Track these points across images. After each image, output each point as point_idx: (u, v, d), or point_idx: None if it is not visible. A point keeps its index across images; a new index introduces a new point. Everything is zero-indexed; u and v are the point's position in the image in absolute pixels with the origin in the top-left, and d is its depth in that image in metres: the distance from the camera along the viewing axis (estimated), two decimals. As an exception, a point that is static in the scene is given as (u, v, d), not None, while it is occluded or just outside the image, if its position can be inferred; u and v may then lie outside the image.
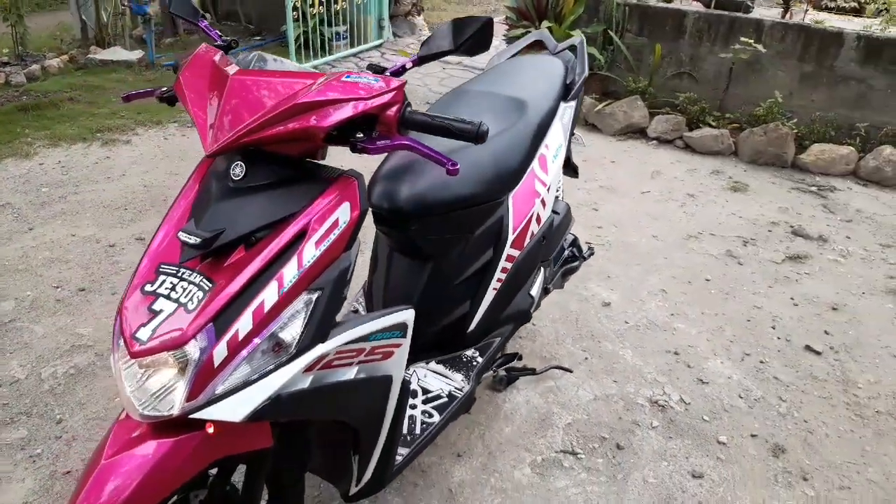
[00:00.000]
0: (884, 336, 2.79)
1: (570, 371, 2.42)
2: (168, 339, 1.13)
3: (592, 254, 2.54)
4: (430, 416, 1.80)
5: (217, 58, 1.32)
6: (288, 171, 1.28)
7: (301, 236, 1.22)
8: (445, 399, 1.84)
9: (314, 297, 1.24)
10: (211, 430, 1.21)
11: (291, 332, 1.22)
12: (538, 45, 2.46)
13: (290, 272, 1.20)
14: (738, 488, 2.02)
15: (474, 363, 1.93)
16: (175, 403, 1.14)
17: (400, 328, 1.45)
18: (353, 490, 1.61)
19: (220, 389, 1.16)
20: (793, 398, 2.41)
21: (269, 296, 1.18)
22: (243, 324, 1.16)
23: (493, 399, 2.28)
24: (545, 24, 5.11)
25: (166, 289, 1.19)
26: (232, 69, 1.26)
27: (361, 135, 1.22)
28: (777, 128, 4.49)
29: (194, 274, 1.20)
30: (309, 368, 1.25)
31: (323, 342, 1.25)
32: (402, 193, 1.67)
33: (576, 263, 2.42)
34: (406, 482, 1.95)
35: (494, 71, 2.25)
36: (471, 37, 1.24)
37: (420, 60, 1.33)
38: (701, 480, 2.04)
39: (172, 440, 1.20)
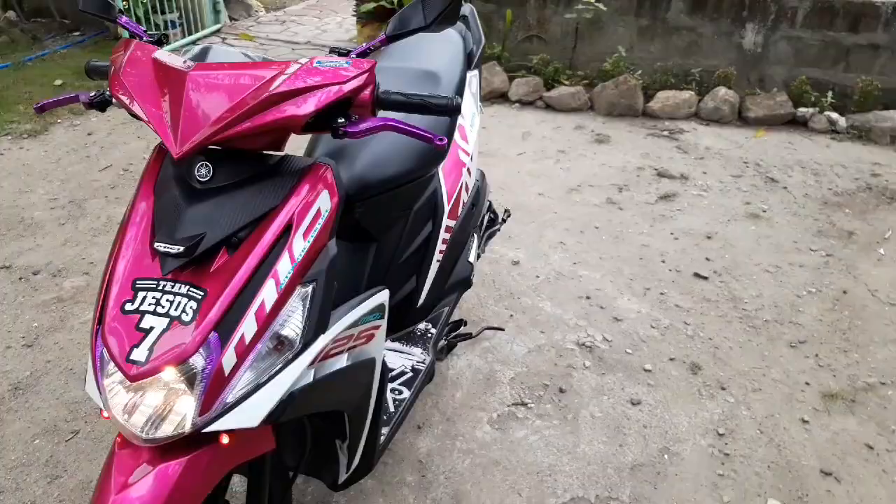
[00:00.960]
0: (754, 255, 3.15)
1: (502, 329, 2.53)
2: (170, 355, 1.06)
3: (509, 216, 2.64)
4: (401, 392, 1.82)
5: (159, 55, 1.23)
6: (256, 166, 1.23)
7: (287, 230, 1.19)
8: (410, 374, 1.86)
9: (309, 289, 1.21)
10: (226, 440, 1.17)
11: (293, 327, 1.19)
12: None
13: (284, 268, 1.17)
14: (672, 407, 2.23)
15: (429, 335, 1.97)
16: (186, 420, 1.09)
17: (380, 310, 1.45)
18: (343, 478, 1.61)
19: (231, 398, 1.12)
20: (695, 321, 2.67)
21: (268, 294, 1.15)
22: (248, 327, 1.12)
23: (438, 368, 2.33)
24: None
25: (150, 305, 1.11)
26: (185, 65, 1.18)
27: (342, 119, 1.20)
28: (626, 80, 4.84)
29: (178, 285, 1.13)
30: (311, 362, 1.23)
31: (324, 333, 1.23)
32: (343, 179, 1.65)
33: (496, 227, 2.51)
34: (375, 462, 1.96)
35: (396, 45, 2.25)
36: (441, 12, 1.25)
37: (388, 39, 1.32)
38: (640, 406, 2.23)
39: (185, 459, 1.14)
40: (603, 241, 3.24)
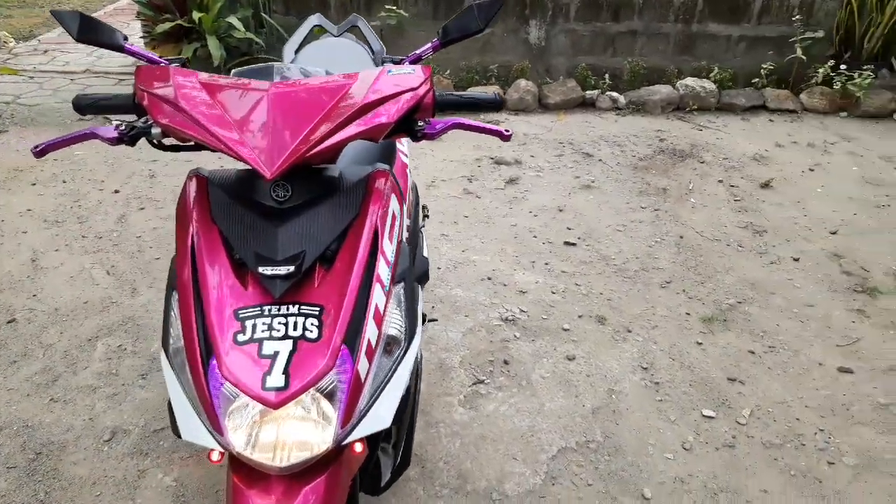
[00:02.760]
0: (602, 219, 3.61)
1: (436, 320, 2.65)
2: (310, 374, 1.07)
3: (428, 215, 2.76)
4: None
5: (205, 78, 1.20)
6: (324, 180, 1.26)
7: (374, 236, 1.23)
8: None
9: (401, 288, 1.28)
10: (359, 448, 1.19)
11: (396, 327, 1.24)
12: (317, 30, 2.51)
13: (384, 271, 1.22)
14: (600, 355, 2.54)
15: None
16: (328, 437, 1.10)
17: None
18: (386, 479, 1.64)
19: (364, 405, 1.15)
20: (583, 281, 3.03)
21: (378, 298, 1.19)
22: (371, 332, 1.16)
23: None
24: (195, 14, 4.89)
25: (264, 331, 1.10)
26: (260, 84, 1.17)
27: (421, 123, 1.27)
28: (439, 81, 5.15)
29: (284, 307, 1.13)
30: (415, 358, 1.29)
31: (418, 328, 1.30)
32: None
33: (423, 225, 2.62)
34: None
35: (306, 59, 2.26)
36: (493, 15, 1.36)
37: (443, 45, 1.40)
38: (576, 360, 2.50)
39: (325, 477, 1.16)
40: (477, 227, 3.49)
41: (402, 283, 1.27)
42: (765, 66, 5.49)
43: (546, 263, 3.16)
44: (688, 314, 2.81)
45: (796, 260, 3.25)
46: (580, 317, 2.77)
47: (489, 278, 3.02)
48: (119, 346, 2.52)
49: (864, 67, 5.20)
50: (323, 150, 1.14)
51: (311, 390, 1.08)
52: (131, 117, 1.27)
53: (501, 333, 2.64)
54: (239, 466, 1.16)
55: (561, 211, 3.69)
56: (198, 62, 5.13)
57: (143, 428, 2.15)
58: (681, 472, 2.04)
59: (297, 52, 2.39)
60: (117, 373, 2.39)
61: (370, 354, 1.15)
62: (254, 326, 1.10)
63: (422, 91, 1.25)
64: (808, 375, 2.47)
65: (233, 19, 4.96)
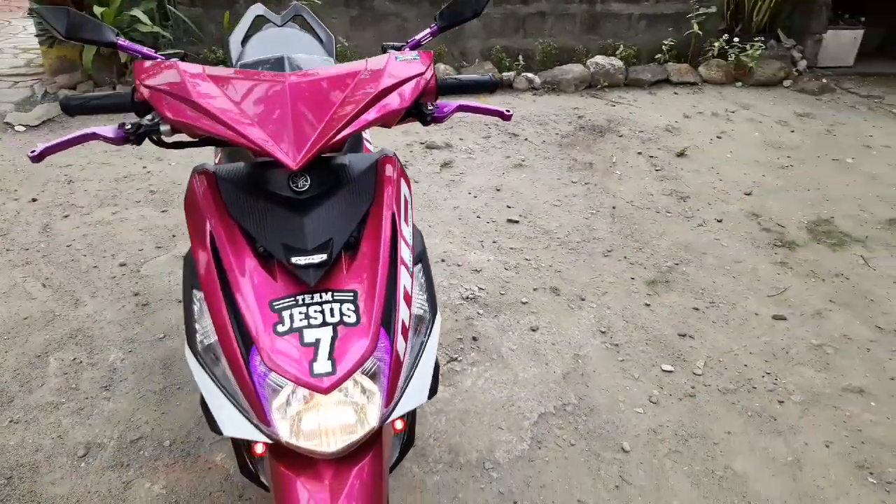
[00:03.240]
0: (538, 196, 3.74)
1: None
2: (355, 357, 1.10)
3: None
4: None
5: (214, 71, 1.18)
6: (337, 168, 1.28)
7: (392, 220, 1.27)
8: None
9: (420, 269, 1.32)
10: (399, 425, 1.23)
11: (420, 305, 1.28)
12: (260, 20, 2.47)
13: (406, 254, 1.26)
14: (561, 324, 2.66)
15: None
16: (373, 416, 1.13)
17: None
18: (394, 459, 1.68)
19: (403, 382, 1.19)
20: (532, 256, 3.15)
21: (405, 280, 1.23)
22: (403, 312, 1.20)
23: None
24: (96, 8, 4.63)
25: (301, 320, 1.12)
26: (276, 76, 1.17)
27: (431, 107, 1.30)
28: (358, 67, 5.12)
29: (316, 295, 1.15)
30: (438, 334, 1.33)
31: (437, 308, 1.34)
32: None
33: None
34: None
35: (255, 50, 2.22)
36: (487, 1, 1.40)
37: (441, 30, 1.42)
38: (539, 331, 2.61)
39: (370, 457, 1.19)
40: (421, 211, 3.54)
41: (420, 264, 1.31)
42: (665, 42, 5.80)
43: (494, 241, 3.25)
44: (633, 279, 2.98)
45: (719, 221, 3.50)
46: (535, 290, 2.88)
47: (443, 260, 3.07)
48: (74, 360, 2.40)
49: (756, 39, 5.60)
50: (343, 137, 1.16)
51: (358, 374, 1.11)
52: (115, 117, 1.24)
53: (465, 311, 2.71)
54: (282, 456, 1.17)
55: (498, 190, 3.79)
56: (102, 60, 4.87)
57: (119, 440, 2.08)
58: (652, 424, 2.19)
59: (243, 43, 2.34)
60: (77, 387, 2.28)
61: (405, 334, 1.18)
62: (291, 316, 1.12)
63: (427, 76, 1.28)
64: (747, 325, 2.69)
65: (137, 12, 4.74)
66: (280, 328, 1.10)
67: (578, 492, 1.94)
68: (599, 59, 5.63)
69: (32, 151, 1.19)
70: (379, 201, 1.27)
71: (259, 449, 1.16)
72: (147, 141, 1.25)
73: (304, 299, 1.14)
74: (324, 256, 1.14)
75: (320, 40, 2.40)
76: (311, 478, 1.14)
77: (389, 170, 1.32)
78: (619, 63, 5.60)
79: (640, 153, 4.33)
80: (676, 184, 3.92)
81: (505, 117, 1.44)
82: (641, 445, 2.11)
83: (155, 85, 1.17)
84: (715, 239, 3.33)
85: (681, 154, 4.30)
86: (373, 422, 1.12)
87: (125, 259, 3.02)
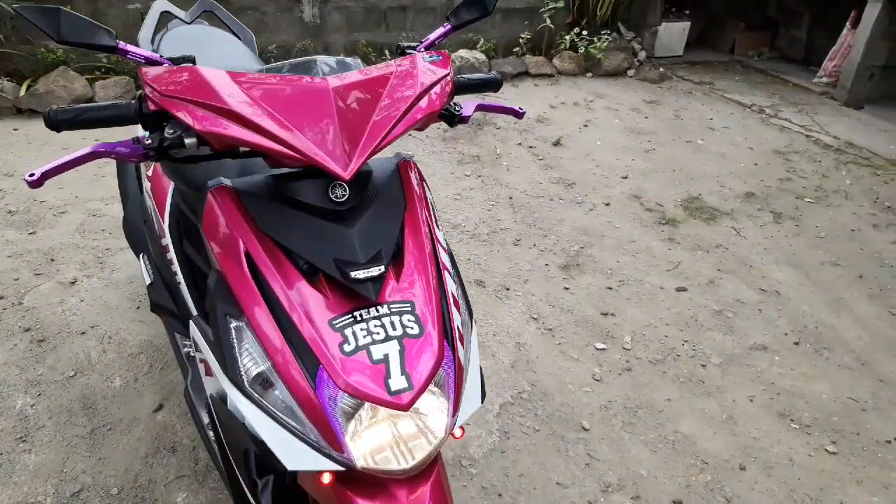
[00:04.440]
0: (437, 190, 3.78)
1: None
2: (426, 370, 1.08)
3: None
4: None
5: (243, 76, 1.09)
6: (364, 175, 1.23)
7: (428, 225, 1.25)
8: None
9: (455, 273, 1.31)
10: (458, 433, 1.22)
11: (464, 309, 1.27)
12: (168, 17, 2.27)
13: (445, 259, 1.25)
14: (495, 315, 2.73)
15: None
16: (442, 427, 1.12)
17: None
18: None
19: (464, 389, 1.18)
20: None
21: (451, 286, 1.22)
22: (456, 319, 1.19)
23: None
24: None
25: (365, 337, 1.08)
26: (315, 81, 1.09)
27: (458, 108, 1.28)
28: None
29: (372, 309, 1.12)
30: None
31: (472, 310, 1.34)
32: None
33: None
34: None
35: (168, 49, 2.04)
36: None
37: (454, 28, 1.39)
38: (479, 323, 2.66)
39: (438, 468, 1.18)
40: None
41: (454, 269, 1.30)
42: (522, 35, 6.06)
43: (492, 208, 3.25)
44: (547, 265, 3.12)
45: (607, 205, 3.76)
46: (517, 241, 2.93)
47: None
48: (-28, 412, 2.09)
49: (602, 33, 6.02)
50: (388, 143, 1.12)
51: (432, 385, 1.09)
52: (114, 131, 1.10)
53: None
54: (350, 482, 1.12)
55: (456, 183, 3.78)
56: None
57: (56, 495, 1.85)
58: (602, 401, 2.33)
59: (153, 42, 2.15)
60: (-14, 442, 1.99)
61: (461, 340, 1.18)
62: (354, 334, 1.07)
63: (450, 77, 1.27)
64: (657, 299, 2.93)
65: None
66: (347, 348, 1.05)
67: (554, 474, 2.02)
68: (463, 52, 5.76)
69: (31, 175, 1.03)
70: (412, 207, 1.24)
71: (326, 479, 1.10)
72: (161, 155, 1.12)
73: (362, 315, 1.09)
74: (381, 268, 1.10)
75: (238, 38, 2.26)
76: (389, 499, 1.10)
77: (412, 173, 1.30)
78: (482, 57, 5.77)
79: (520, 144, 4.51)
80: (560, 172, 4.13)
81: (518, 115, 1.46)
82: (598, 422, 2.23)
83: (175, 93, 1.05)
84: (608, 221, 3.57)
85: (557, 143, 4.54)
86: (443, 432, 1.11)
87: (1, 292, 2.66)
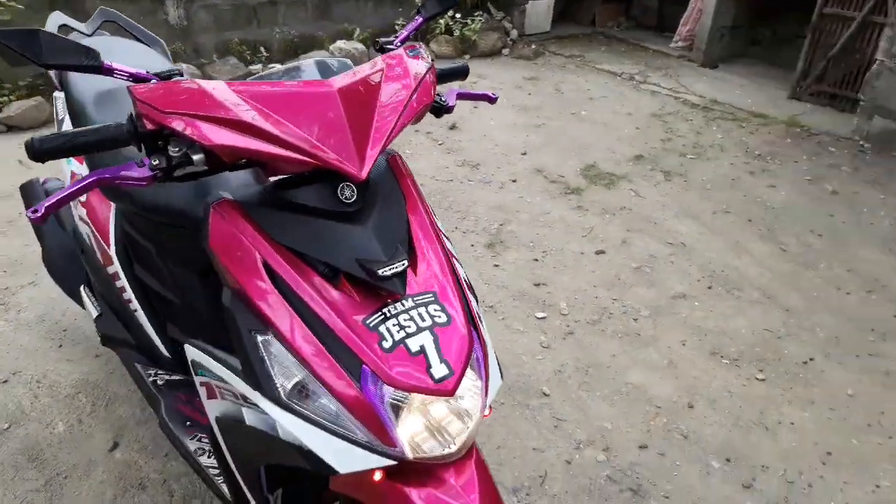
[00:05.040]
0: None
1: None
2: (461, 355, 1.12)
3: None
4: None
5: (241, 85, 1.06)
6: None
7: (429, 216, 1.27)
8: None
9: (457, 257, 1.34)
10: (487, 411, 1.26)
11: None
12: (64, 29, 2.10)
13: (449, 246, 1.28)
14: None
15: None
16: (478, 407, 1.17)
17: None
18: None
19: (491, 369, 1.23)
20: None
21: (461, 272, 1.26)
22: (474, 304, 1.23)
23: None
24: None
25: (399, 332, 1.10)
26: (320, 88, 1.08)
27: (443, 99, 1.30)
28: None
29: (397, 304, 1.14)
30: None
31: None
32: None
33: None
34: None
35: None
36: None
37: (425, 21, 1.39)
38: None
39: (475, 450, 1.21)
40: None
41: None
42: (397, 22, 6.08)
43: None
44: (472, 245, 3.20)
45: (514, 181, 3.89)
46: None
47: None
48: None
49: (476, 14, 6.16)
50: (391, 140, 1.14)
51: (469, 370, 1.13)
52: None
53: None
54: (399, 476, 1.13)
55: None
56: None
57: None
58: (555, 365, 2.44)
59: None
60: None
61: (482, 322, 1.22)
62: (388, 331, 1.08)
63: (433, 69, 1.29)
64: (580, 264, 3.09)
65: None
66: (385, 344, 1.07)
67: (528, 441, 2.11)
68: (342, 43, 5.70)
69: (34, 211, 0.96)
70: (411, 199, 1.26)
71: (377, 477, 1.10)
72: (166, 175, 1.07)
73: (390, 311, 1.11)
74: (405, 262, 1.11)
75: (147, 46, 2.14)
76: (441, 485, 1.12)
77: (402, 167, 1.31)
78: (361, 47, 5.73)
79: (417, 131, 4.54)
80: (463, 154, 4.22)
81: (492, 100, 1.50)
82: (556, 386, 2.35)
83: (177, 108, 1.01)
84: (519, 197, 3.70)
85: (453, 127, 4.62)
86: (479, 413, 1.15)
87: None
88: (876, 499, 1.97)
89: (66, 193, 0.99)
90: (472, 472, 1.16)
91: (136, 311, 1.74)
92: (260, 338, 1.08)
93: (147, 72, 1.12)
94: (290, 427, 1.07)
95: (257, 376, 1.08)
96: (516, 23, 6.65)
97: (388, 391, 1.05)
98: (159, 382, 1.77)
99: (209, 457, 1.62)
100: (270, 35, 5.63)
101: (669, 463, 2.05)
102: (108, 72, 1.07)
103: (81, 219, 1.83)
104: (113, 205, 1.72)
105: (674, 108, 5.18)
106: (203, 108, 1.01)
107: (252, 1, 5.54)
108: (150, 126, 1.03)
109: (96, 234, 1.75)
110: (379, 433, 1.05)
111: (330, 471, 1.07)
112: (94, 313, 1.85)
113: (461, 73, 1.46)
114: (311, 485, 1.35)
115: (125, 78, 1.09)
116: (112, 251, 1.71)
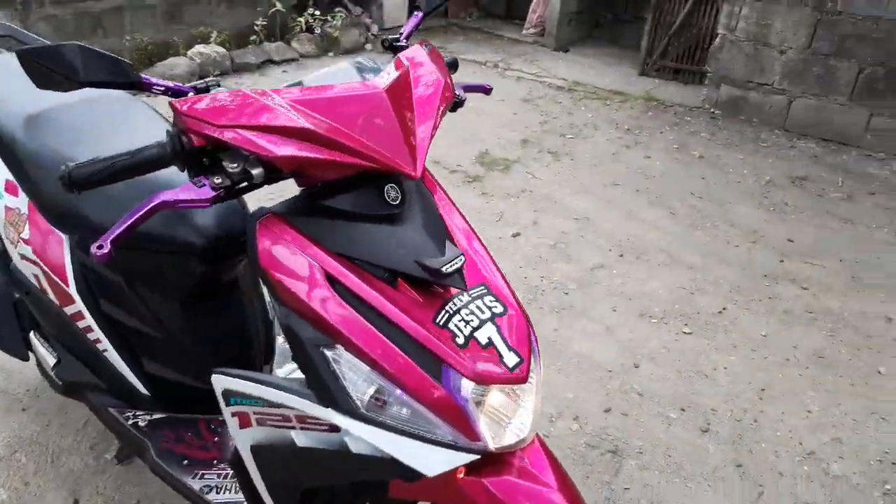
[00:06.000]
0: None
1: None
2: (526, 341, 1.16)
3: None
4: None
5: (290, 94, 1.03)
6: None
7: (458, 210, 1.30)
8: None
9: None
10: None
11: None
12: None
13: (479, 235, 1.32)
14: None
15: None
16: (534, 391, 1.22)
17: None
18: None
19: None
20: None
21: (496, 260, 1.30)
22: (513, 291, 1.28)
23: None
24: None
25: (466, 327, 1.13)
26: (368, 90, 1.07)
27: (459, 93, 1.31)
28: None
29: (455, 300, 1.16)
30: None
31: None
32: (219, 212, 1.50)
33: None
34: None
35: None
36: None
37: (425, 14, 1.37)
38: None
39: (537, 436, 1.26)
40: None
41: None
42: (256, 23, 5.86)
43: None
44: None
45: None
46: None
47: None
48: None
49: (337, 11, 6.09)
50: (434, 136, 1.15)
51: (531, 356, 1.17)
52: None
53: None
54: (477, 472, 1.15)
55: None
56: None
57: None
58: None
59: None
60: None
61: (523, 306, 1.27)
62: (457, 328, 1.11)
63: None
64: (502, 248, 3.21)
65: None
66: (459, 341, 1.09)
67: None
68: (201, 48, 5.42)
69: (100, 248, 0.88)
70: (439, 196, 1.28)
71: (462, 473, 1.12)
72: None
73: (451, 307, 1.13)
74: (462, 257, 1.13)
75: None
76: (515, 472, 1.16)
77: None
78: (222, 50, 5.48)
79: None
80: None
81: (487, 91, 1.54)
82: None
83: (233, 122, 0.97)
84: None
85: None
86: (537, 394, 1.20)
87: None
88: (810, 423, 2.25)
89: (129, 223, 0.91)
90: (542, 455, 1.21)
91: (105, 350, 1.61)
92: (328, 353, 1.06)
93: (183, 85, 1.05)
94: (370, 438, 1.06)
95: (331, 392, 1.06)
96: (375, 17, 6.65)
97: (469, 386, 1.07)
98: (141, 424, 1.65)
99: (219, 492, 1.54)
100: (120, 44, 5.23)
101: (634, 421, 2.22)
102: (148, 87, 0.99)
103: (25, 258, 1.64)
104: (65, 238, 1.57)
105: (541, 91, 5.45)
106: (259, 119, 0.98)
107: (95, 8, 5.12)
108: (198, 142, 0.97)
109: (48, 272, 1.58)
110: (464, 429, 1.07)
111: (416, 476, 1.08)
112: (52, 361, 1.68)
113: (451, 67, 1.49)
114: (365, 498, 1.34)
115: (162, 91, 1.02)
116: (72, 289, 1.56)
